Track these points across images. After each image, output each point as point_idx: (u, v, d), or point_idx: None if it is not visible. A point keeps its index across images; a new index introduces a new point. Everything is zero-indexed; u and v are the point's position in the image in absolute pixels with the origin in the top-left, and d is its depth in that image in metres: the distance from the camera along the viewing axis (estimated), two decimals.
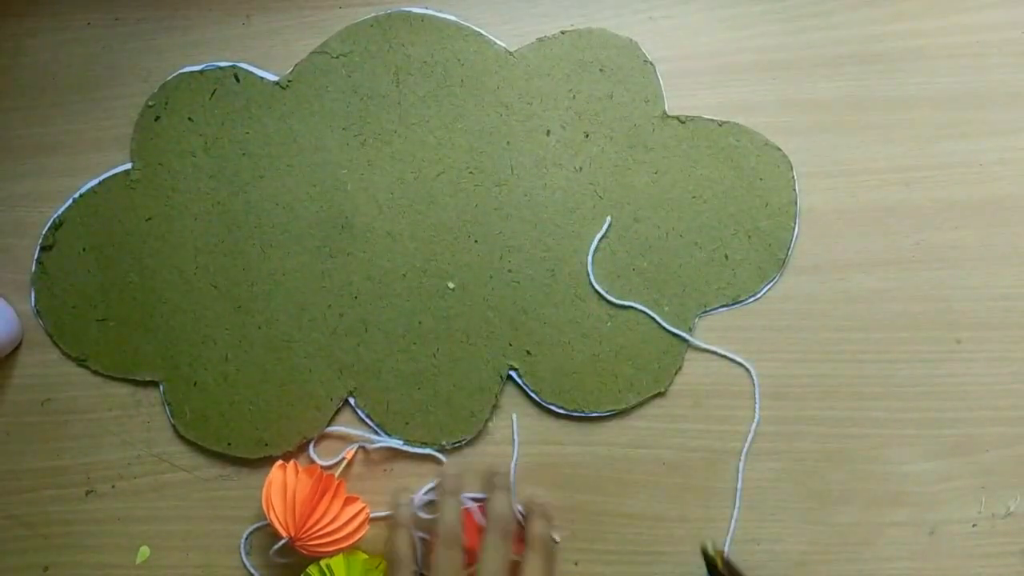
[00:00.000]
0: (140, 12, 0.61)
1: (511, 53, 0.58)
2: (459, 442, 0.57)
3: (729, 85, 0.58)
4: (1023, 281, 0.56)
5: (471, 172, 0.58)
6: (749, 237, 0.56)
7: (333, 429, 0.58)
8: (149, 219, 0.59)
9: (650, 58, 0.58)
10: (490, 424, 0.57)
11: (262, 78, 0.60)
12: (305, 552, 0.53)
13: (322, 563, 0.54)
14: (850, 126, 0.57)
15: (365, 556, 0.55)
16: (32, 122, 0.61)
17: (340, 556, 0.54)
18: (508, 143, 0.58)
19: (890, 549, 0.55)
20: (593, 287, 0.57)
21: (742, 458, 0.56)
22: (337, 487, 0.54)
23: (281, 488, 0.54)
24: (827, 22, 0.58)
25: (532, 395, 0.57)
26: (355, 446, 0.57)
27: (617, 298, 0.57)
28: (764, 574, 0.55)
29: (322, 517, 0.53)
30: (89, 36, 0.62)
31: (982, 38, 0.57)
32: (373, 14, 0.59)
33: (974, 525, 0.55)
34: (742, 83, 0.58)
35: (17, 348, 0.60)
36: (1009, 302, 0.56)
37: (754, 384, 0.56)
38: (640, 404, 0.56)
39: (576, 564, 0.56)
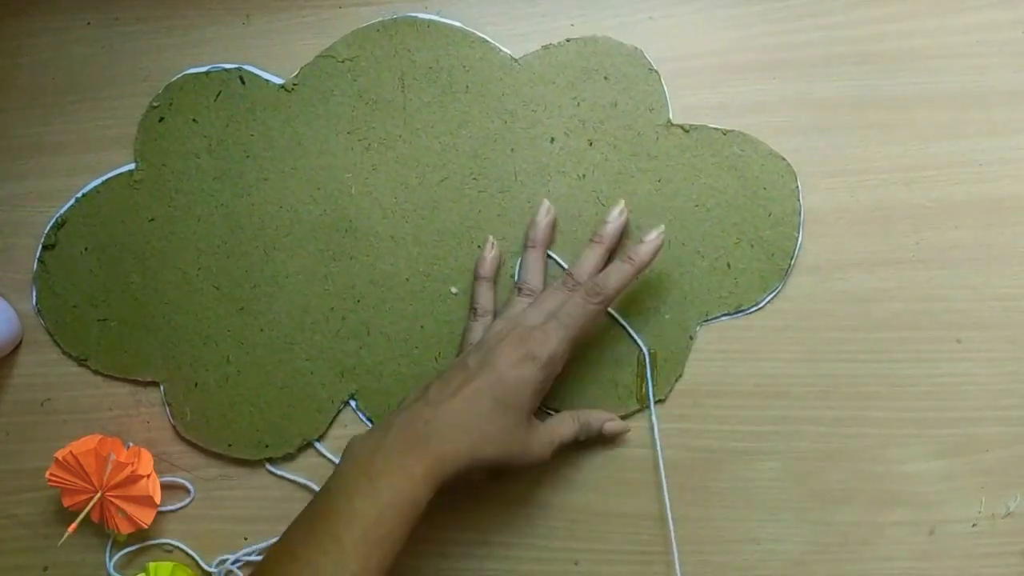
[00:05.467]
0: (140, 12, 0.61)
1: (516, 60, 0.58)
2: None
3: (729, 85, 0.58)
4: (1023, 281, 0.56)
5: (475, 178, 0.58)
6: (752, 246, 0.56)
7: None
8: (152, 220, 0.59)
9: (652, 61, 0.58)
10: None
11: (267, 81, 0.59)
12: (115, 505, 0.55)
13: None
14: (850, 126, 0.57)
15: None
16: (33, 122, 0.61)
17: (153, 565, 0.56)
18: (512, 150, 0.58)
19: (890, 549, 0.55)
20: None
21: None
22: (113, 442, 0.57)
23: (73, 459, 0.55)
24: (827, 22, 0.58)
25: None
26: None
27: (618, 306, 0.56)
28: (764, 574, 0.56)
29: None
30: (89, 36, 0.61)
31: (982, 38, 0.57)
32: (373, 13, 0.59)
33: (974, 525, 0.55)
34: (742, 83, 0.58)
35: (17, 348, 0.60)
36: (1009, 302, 0.56)
37: None
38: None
39: (576, 564, 0.56)
